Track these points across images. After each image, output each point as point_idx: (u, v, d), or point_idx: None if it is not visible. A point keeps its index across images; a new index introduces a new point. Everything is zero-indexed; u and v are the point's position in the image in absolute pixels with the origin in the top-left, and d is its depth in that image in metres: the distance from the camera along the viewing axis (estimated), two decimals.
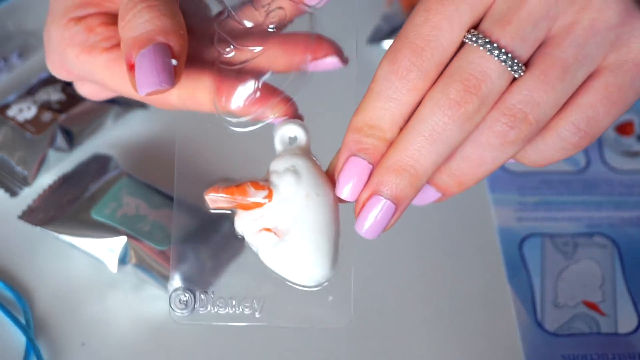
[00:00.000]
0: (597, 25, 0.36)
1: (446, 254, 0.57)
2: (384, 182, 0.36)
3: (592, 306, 0.54)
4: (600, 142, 0.63)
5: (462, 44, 0.36)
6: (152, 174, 0.58)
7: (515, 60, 0.35)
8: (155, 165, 0.59)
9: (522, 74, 0.35)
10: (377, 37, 0.68)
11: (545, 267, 0.56)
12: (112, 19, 0.43)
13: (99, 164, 0.59)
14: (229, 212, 0.39)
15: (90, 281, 0.54)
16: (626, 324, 0.54)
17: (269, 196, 0.38)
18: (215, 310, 0.40)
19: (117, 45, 0.43)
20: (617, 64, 0.36)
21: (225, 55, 0.41)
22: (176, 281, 0.40)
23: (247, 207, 0.38)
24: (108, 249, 0.53)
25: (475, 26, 0.36)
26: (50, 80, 0.62)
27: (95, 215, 0.54)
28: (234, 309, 0.40)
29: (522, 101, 0.35)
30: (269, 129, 0.40)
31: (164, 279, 0.53)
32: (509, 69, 0.35)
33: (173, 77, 0.39)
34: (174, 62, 0.39)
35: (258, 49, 0.40)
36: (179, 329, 0.52)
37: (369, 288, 0.54)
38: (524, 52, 0.35)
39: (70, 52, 0.43)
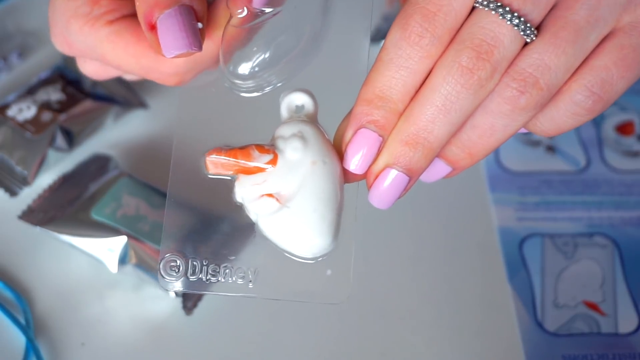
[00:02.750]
0: None
1: (446, 253, 0.57)
2: (398, 154, 0.35)
3: (592, 306, 0.54)
4: (600, 142, 0.63)
5: (473, 8, 0.35)
6: (152, 174, 0.58)
7: (528, 24, 0.34)
8: (155, 165, 0.59)
9: (534, 38, 0.35)
10: (377, 37, 0.68)
11: (546, 267, 0.56)
12: None
13: (98, 164, 0.59)
14: (228, 177, 0.37)
15: (90, 281, 0.54)
16: (626, 324, 0.54)
17: (274, 160, 0.36)
18: (207, 278, 0.38)
19: (121, 18, 0.43)
20: (631, 25, 0.35)
21: (237, 16, 0.39)
22: (167, 246, 0.38)
23: (250, 171, 0.37)
24: (108, 249, 0.53)
25: None
26: (50, 80, 0.62)
27: (95, 215, 0.54)
28: (226, 278, 0.38)
29: (533, 65, 0.34)
30: (276, 96, 0.39)
31: None
32: (522, 33, 0.34)
33: (200, 39, 0.38)
34: (199, 25, 0.38)
35: (269, 10, 0.39)
36: (179, 329, 0.52)
37: (367, 289, 0.54)
38: (536, 16, 0.35)
39: (74, 24, 0.43)
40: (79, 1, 0.43)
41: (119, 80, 0.63)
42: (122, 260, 0.53)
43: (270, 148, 0.37)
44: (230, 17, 0.40)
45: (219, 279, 0.38)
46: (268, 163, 0.36)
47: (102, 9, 0.42)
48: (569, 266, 0.56)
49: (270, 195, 0.36)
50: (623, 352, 0.52)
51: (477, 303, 0.54)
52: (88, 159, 0.59)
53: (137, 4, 0.39)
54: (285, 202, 0.36)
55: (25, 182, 0.58)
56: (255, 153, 0.36)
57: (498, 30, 0.34)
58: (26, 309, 0.52)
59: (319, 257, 0.37)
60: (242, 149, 0.37)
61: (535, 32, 0.35)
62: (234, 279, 0.38)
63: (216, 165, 0.37)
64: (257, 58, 0.39)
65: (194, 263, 0.38)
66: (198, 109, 0.41)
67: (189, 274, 0.38)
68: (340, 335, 0.52)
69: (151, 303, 0.53)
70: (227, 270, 0.38)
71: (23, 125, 0.59)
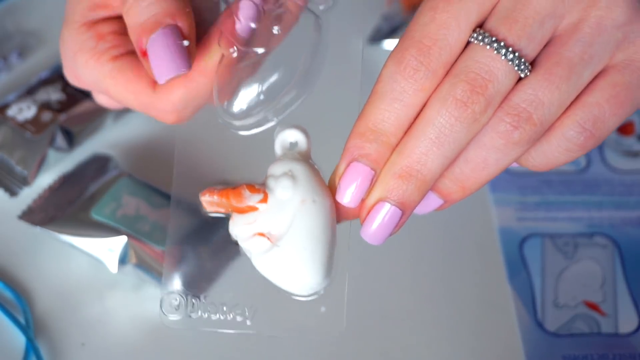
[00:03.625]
0: (604, 24, 0.35)
1: (446, 254, 0.57)
2: (391, 188, 0.35)
3: (592, 306, 0.54)
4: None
5: (467, 43, 0.35)
6: (152, 174, 0.58)
7: (522, 60, 0.34)
8: (155, 165, 0.59)
9: (528, 73, 0.35)
10: (377, 37, 0.68)
11: (546, 267, 0.56)
12: (123, 26, 0.43)
13: (98, 164, 0.59)
14: (224, 215, 0.38)
15: (90, 281, 0.54)
16: (627, 324, 0.54)
17: (264, 200, 0.37)
18: (207, 315, 0.39)
19: (125, 54, 0.43)
20: (624, 63, 0.36)
21: (230, 56, 0.40)
22: (168, 284, 0.40)
23: (242, 210, 0.37)
24: (108, 249, 0.53)
25: (481, 25, 0.35)
26: (50, 80, 0.62)
27: (95, 215, 0.54)
28: (225, 316, 0.39)
29: (527, 100, 0.35)
30: (271, 133, 0.39)
31: None
32: (516, 68, 0.34)
33: (188, 58, 0.39)
34: (185, 43, 0.38)
35: (261, 50, 0.40)
36: (179, 329, 0.52)
37: (368, 289, 0.54)
38: (531, 51, 0.35)
39: (80, 58, 0.43)
40: (85, 35, 0.43)
41: None
42: (122, 260, 0.53)
43: (260, 187, 0.37)
44: (223, 55, 0.40)
45: (219, 316, 0.39)
46: (259, 202, 0.37)
47: (107, 44, 0.43)
48: (569, 266, 0.56)
49: (261, 234, 0.37)
50: (623, 352, 0.52)
51: (477, 303, 0.54)
52: (88, 159, 0.59)
53: (129, 32, 0.40)
54: (276, 241, 0.36)
55: (25, 182, 0.58)
56: (247, 193, 0.37)
57: (493, 65, 0.34)
58: (26, 309, 0.52)
59: (312, 294, 0.37)
60: (234, 190, 0.37)
61: (530, 67, 0.35)
62: (232, 315, 0.39)
63: (211, 204, 0.38)
64: (251, 96, 0.39)
65: (193, 301, 0.39)
66: (195, 146, 0.41)
67: (188, 311, 0.39)
68: (340, 335, 0.52)
69: (151, 303, 0.53)
70: (225, 308, 0.39)
71: (23, 125, 0.59)
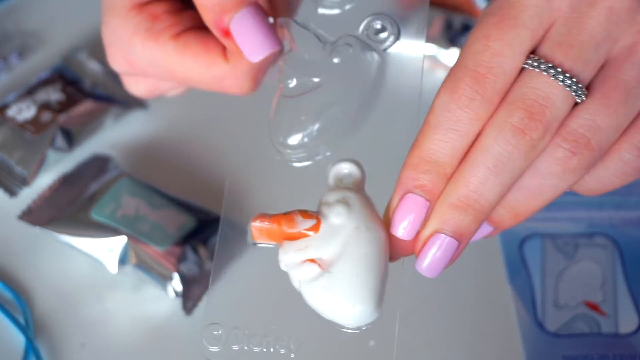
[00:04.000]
0: None
1: None
2: (447, 219, 0.34)
3: (592, 306, 0.54)
4: None
5: (522, 69, 0.34)
6: (151, 174, 0.58)
7: (579, 85, 0.34)
8: (155, 165, 0.59)
9: (584, 98, 0.34)
10: None
11: (546, 267, 0.56)
12: (174, 5, 0.43)
13: (98, 164, 0.59)
14: (271, 245, 0.37)
15: (89, 281, 0.54)
16: (627, 324, 0.54)
17: (317, 226, 0.36)
18: (249, 348, 0.37)
19: (184, 32, 0.42)
20: None
21: (287, 86, 0.39)
22: (210, 315, 0.38)
23: (293, 237, 0.36)
24: (108, 249, 0.53)
25: (534, 51, 0.34)
26: (50, 80, 0.62)
27: (95, 216, 0.54)
28: (268, 348, 0.37)
29: (584, 126, 0.34)
30: (323, 166, 0.38)
31: (163, 279, 0.53)
32: (573, 93, 0.34)
33: (277, 35, 0.38)
34: (271, 20, 0.38)
35: (318, 79, 0.39)
36: (179, 330, 0.52)
37: None
38: (587, 76, 0.34)
39: (136, 41, 0.42)
40: (137, 18, 0.42)
41: (119, 81, 0.63)
42: (122, 261, 0.53)
43: (313, 214, 0.36)
44: (280, 87, 0.39)
45: (262, 349, 0.37)
46: (311, 229, 0.36)
47: (163, 24, 0.42)
48: (570, 266, 0.56)
49: (312, 260, 0.35)
50: (623, 352, 0.52)
51: (477, 303, 0.54)
52: (88, 159, 0.59)
53: (203, 13, 0.39)
54: (327, 267, 0.35)
55: (25, 182, 0.58)
56: (299, 218, 0.36)
57: (549, 91, 0.33)
58: (26, 309, 0.52)
59: (362, 326, 0.36)
60: (286, 215, 0.36)
61: (586, 92, 0.34)
62: (276, 347, 0.37)
63: (261, 231, 0.36)
64: (307, 129, 0.39)
65: (235, 332, 0.38)
66: (247, 177, 0.40)
67: (230, 343, 0.37)
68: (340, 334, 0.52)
69: (151, 303, 0.53)
70: (269, 340, 0.37)
71: (23, 125, 0.59)
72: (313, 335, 0.37)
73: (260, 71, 0.42)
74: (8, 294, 0.53)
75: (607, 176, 0.36)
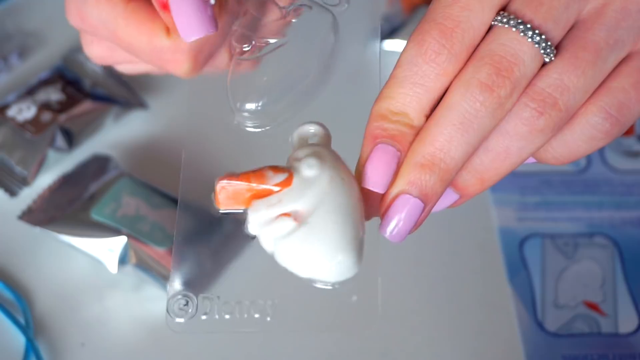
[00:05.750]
0: (629, 8, 0.34)
1: (446, 254, 0.57)
2: (413, 180, 0.33)
3: (592, 306, 0.54)
4: None
5: (490, 26, 0.34)
6: (151, 174, 0.58)
7: (549, 43, 0.33)
8: (155, 165, 0.59)
9: (553, 57, 0.33)
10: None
11: (546, 267, 0.56)
12: None
13: (98, 164, 0.59)
14: (239, 211, 0.35)
15: (89, 281, 0.54)
16: (627, 324, 0.53)
17: (289, 179, 0.34)
18: (220, 316, 0.35)
19: None
20: None
21: (243, 49, 0.38)
22: (176, 285, 0.36)
23: (264, 193, 0.34)
24: (108, 249, 0.53)
25: (504, 7, 0.34)
26: (50, 81, 0.62)
27: (95, 216, 0.54)
28: (241, 314, 0.35)
29: (552, 85, 0.33)
30: (287, 130, 0.37)
31: (164, 279, 0.53)
32: (542, 51, 0.33)
33: (215, 19, 0.37)
34: (212, 1, 0.37)
35: (275, 40, 0.38)
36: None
37: None
38: (556, 35, 0.34)
39: None
40: None
41: (119, 81, 0.63)
42: (122, 261, 0.53)
43: (285, 168, 0.35)
44: (236, 52, 0.39)
45: (235, 315, 0.35)
46: (282, 183, 0.34)
47: None
48: (569, 266, 0.56)
49: (286, 214, 0.34)
50: (623, 352, 0.52)
51: (477, 303, 0.54)
52: (88, 159, 0.59)
53: None
54: (303, 220, 0.33)
55: (25, 182, 0.58)
56: (270, 173, 0.34)
57: (519, 48, 0.33)
58: (26, 309, 0.52)
59: (343, 280, 0.34)
60: (255, 172, 0.34)
61: (555, 51, 0.34)
62: (250, 313, 0.35)
63: (227, 194, 0.34)
64: (266, 91, 0.38)
65: (204, 302, 0.35)
66: (205, 146, 0.39)
67: (198, 313, 0.35)
68: (340, 334, 0.52)
69: (151, 303, 0.53)
70: (241, 306, 0.35)
71: (23, 125, 0.59)
72: (290, 296, 0.35)
73: (201, 53, 0.41)
74: (8, 294, 0.53)
75: (574, 140, 0.35)
